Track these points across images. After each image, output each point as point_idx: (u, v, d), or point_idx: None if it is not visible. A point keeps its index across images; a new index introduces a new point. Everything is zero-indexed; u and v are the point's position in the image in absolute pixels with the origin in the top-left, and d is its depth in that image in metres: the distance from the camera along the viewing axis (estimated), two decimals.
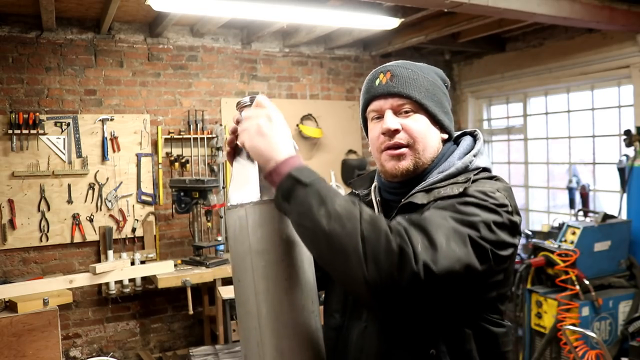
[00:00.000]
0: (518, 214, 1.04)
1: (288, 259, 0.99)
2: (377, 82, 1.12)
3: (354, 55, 5.17)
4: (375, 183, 1.23)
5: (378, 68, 1.16)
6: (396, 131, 1.09)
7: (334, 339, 1.15)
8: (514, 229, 1.00)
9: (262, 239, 0.98)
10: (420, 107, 1.10)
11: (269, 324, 0.98)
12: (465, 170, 1.10)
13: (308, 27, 4.31)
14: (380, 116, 1.13)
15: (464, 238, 0.91)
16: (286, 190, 0.91)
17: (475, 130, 1.21)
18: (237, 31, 4.62)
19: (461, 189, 1.01)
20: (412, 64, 1.15)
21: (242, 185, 1.02)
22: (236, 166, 1.06)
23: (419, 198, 1.06)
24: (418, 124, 1.10)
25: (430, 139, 1.11)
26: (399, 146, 1.10)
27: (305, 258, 1.03)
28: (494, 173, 1.13)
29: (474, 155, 1.12)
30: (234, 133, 1.07)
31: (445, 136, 1.15)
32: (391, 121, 1.09)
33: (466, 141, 1.18)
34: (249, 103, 1.06)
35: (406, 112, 1.10)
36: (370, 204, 1.19)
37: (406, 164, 1.10)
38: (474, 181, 1.04)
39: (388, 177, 1.14)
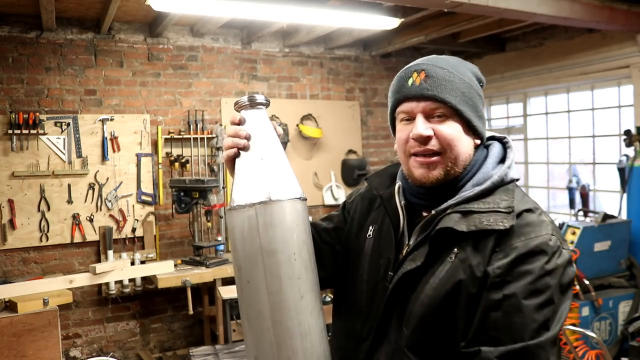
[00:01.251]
0: (562, 238, 1.01)
1: (299, 258, 1.00)
2: (410, 81, 1.03)
3: (354, 55, 5.17)
4: (399, 183, 1.15)
5: (411, 65, 1.06)
6: (428, 138, 1.02)
7: (354, 349, 1.10)
8: (568, 274, 0.98)
9: (274, 238, 0.98)
10: (454, 113, 1.02)
11: (282, 323, 0.97)
12: (501, 184, 1.04)
13: (308, 27, 4.31)
14: (410, 118, 1.05)
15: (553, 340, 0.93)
16: None
17: (504, 137, 1.14)
18: (237, 31, 4.62)
19: (507, 224, 0.96)
20: (447, 61, 1.05)
21: (248, 185, 1.00)
22: (239, 165, 1.04)
23: (457, 223, 0.98)
24: (452, 130, 1.02)
25: (463, 146, 1.04)
26: (430, 154, 1.03)
27: (312, 257, 1.04)
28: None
29: (509, 167, 1.06)
30: (235, 135, 1.04)
31: (478, 142, 1.07)
32: (423, 127, 1.02)
33: (496, 147, 1.11)
34: (248, 103, 1.05)
35: (439, 116, 1.02)
36: (394, 208, 1.12)
37: (437, 172, 1.03)
38: (518, 215, 0.98)
39: (416, 182, 1.07)
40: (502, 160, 1.10)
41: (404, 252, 1.06)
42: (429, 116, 1.03)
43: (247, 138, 1.03)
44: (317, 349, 1.00)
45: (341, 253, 1.23)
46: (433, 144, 1.02)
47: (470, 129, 1.05)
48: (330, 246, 1.25)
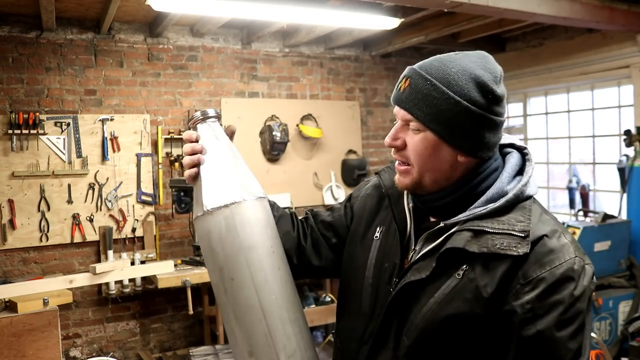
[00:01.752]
0: (584, 255, 0.97)
1: (277, 250, 1.08)
2: (399, 86, 1.01)
3: (354, 55, 5.17)
4: None
5: (410, 68, 1.01)
6: (396, 147, 1.02)
7: (355, 351, 1.10)
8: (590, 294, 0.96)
9: (253, 234, 1.04)
10: (427, 128, 0.97)
11: (273, 312, 1.02)
12: (516, 201, 0.98)
13: (308, 27, 4.31)
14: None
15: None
16: None
17: (525, 148, 1.07)
18: (237, 31, 4.62)
19: (520, 250, 0.91)
20: (442, 70, 0.96)
21: (217, 190, 1.05)
22: (204, 176, 1.08)
23: (468, 243, 0.94)
24: (420, 145, 0.98)
25: (434, 162, 0.99)
26: (402, 162, 1.03)
27: (282, 249, 1.12)
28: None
29: (525, 185, 0.99)
30: (192, 152, 1.08)
31: (462, 159, 0.99)
32: (391, 135, 1.02)
33: (514, 159, 1.04)
34: (200, 117, 1.11)
35: (414, 128, 0.99)
36: (401, 210, 1.10)
37: (406, 181, 1.03)
38: (535, 241, 0.92)
39: None
40: (520, 171, 1.04)
41: (410, 257, 1.05)
42: (407, 125, 1.00)
43: (202, 152, 1.09)
44: (305, 333, 1.07)
45: (346, 250, 1.22)
46: (401, 155, 1.02)
47: (452, 146, 0.97)
48: (326, 238, 1.26)
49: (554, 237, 0.94)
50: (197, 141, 1.10)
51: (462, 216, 0.98)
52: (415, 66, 1.00)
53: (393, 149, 1.03)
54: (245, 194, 1.05)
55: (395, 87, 1.03)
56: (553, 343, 0.89)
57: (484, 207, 0.97)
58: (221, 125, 1.14)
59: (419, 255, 1.01)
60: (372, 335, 1.06)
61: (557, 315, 0.89)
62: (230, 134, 1.17)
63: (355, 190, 1.31)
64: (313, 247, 1.26)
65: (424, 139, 0.97)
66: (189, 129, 1.13)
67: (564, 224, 3.79)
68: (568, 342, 0.90)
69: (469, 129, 0.95)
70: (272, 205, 1.23)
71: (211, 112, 1.12)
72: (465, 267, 0.95)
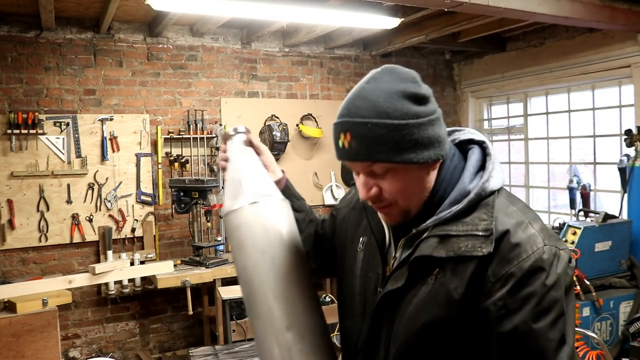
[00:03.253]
0: (555, 240, 0.95)
1: (271, 251, 1.10)
2: (340, 143, 0.97)
3: (354, 55, 5.16)
4: None
5: (337, 121, 0.98)
6: (371, 198, 1.00)
7: (353, 358, 1.13)
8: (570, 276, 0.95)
9: (246, 235, 1.10)
10: (393, 165, 0.96)
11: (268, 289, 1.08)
12: (479, 199, 0.97)
13: (308, 27, 4.31)
14: (356, 172, 1.02)
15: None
16: None
17: (484, 142, 1.06)
18: (237, 31, 4.62)
19: (484, 250, 0.91)
20: (371, 104, 0.93)
21: (226, 196, 1.15)
22: (225, 180, 1.21)
23: (435, 249, 0.95)
24: (396, 183, 0.97)
25: (414, 187, 0.99)
26: (383, 205, 1.01)
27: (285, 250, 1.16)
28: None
29: (486, 182, 0.98)
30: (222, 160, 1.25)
31: (437, 165, 1.00)
32: (365, 190, 0.99)
33: (475, 155, 1.04)
34: (232, 134, 1.25)
35: (380, 172, 0.97)
36: (377, 221, 1.11)
37: (396, 217, 1.02)
38: (499, 237, 0.92)
39: None
40: (483, 166, 1.03)
41: (391, 265, 1.06)
42: (371, 172, 0.98)
43: (226, 160, 1.23)
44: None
45: (338, 259, 1.26)
46: (381, 199, 1.00)
47: (421, 164, 0.97)
48: (320, 244, 1.35)
49: (520, 229, 0.93)
50: (225, 151, 1.25)
51: (429, 221, 0.99)
52: (345, 119, 0.95)
53: (370, 200, 1.01)
54: (240, 201, 1.10)
55: (335, 144, 0.99)
56: (532, 336, 0.89)
57: (449, 210, 0.98)
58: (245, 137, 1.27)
59: (397, 264, 1.02)
60: (364, 343, 1.08)
61: (532, 307, 0.89)
62: (249, 143, 1.26)
63: (340, 201, 1.35)
64: (314, 252, 1.34)
65: (395, 174, 0.96)
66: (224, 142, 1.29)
67: (564, 223, 3.77)
68: (548, 332, 0.89)
69: (425, 139, 0.94)
70: (304, 210, 1.34)
71: (240, 128, 1.27)
72: (437, 272, 0.95)
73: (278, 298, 1.02)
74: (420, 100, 0.94)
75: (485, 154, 1.04)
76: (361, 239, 1.16)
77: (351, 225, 1.23)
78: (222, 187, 1.19)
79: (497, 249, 0.91)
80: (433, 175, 1.00)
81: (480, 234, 0.93)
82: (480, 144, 1.06)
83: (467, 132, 1.09)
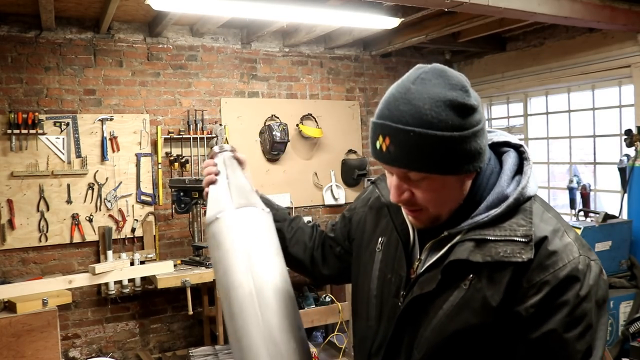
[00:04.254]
0: (588, 250, 0.94)
1: (245, 255, 1.12)
2: (378, 145, 0.94)
3: (354, 55, 5.16)
4: None
5: (377, 122, 0.94)
6: (402, 202, 0.98)
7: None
8: (604, 289, 0.94)
9: (223, 241, 1.12)
10: (429, 173, 0.94)
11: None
12: (517, 204, 0.96)
13: (308, 27, 4.30)
14: (390, 172, 1.00)
15: None
16: None
17: (521, 146, 1.04)
18: (237, 31, 4.61)
19: (524, 256, 0.90)
20: (416, 111, 0.89)
21: (209, 205, 1.18)
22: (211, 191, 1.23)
23: (472, 253, 0.93)
24: (428, 190, 0.95)
25: (447, 195, 0.97)
26: (413, 208, 1.00)
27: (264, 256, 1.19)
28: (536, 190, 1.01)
29: (525, 187, 0.97)
30: (210, 173, 1.23)
31: (472, 176, 0.98)
32: (397, 194, 0.97)
33: (511, 158, 1.02)
34: (218, 151, 1.29)
35: (415, 179, 0.94)
36: (402, 221, 1.08)
37: (425, 221, 1.00)
38: (537, 244, 0.91)
39: None
40: (519, 170, 1.02)
41: (416, 267, 1.04)
42: (406, 176, 0.95)
43: (216, 174, 1.22)
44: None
45: (354, 260, 1.24)
46: (412, 203, 0.98)
47: (458, 174, 0.95)
48: (332, 248, 1.34)
49: (557, 237, 0.92)
50: (215, 165, 1.25)
51: (465, 224, 0.97)
52: (387, 120, 0.91)
53: (401, 204, 1.00)
54: (219, 211, 1.13)
55: (372, 144, 0.96)
56: (560, 345, 0.89)
57: (486, 215, 0.96)
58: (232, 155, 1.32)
59: (424, 267, 1.00)
60: (381, 347, 1.06)
61: (563, 317, 0.88)
62: (238, 161, 1.28)
63: (354, 201, 1.33)
64: (322, 257, 1.34)
65: (431, 183, 0.94)
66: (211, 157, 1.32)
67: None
68: (576, 342, 0.89)
69: (466, 152, 0.92)
70: (285, 219, 1.34)
71: (226, 147, 1.32)
72: (472, 277, 0.93)
73: (275, 310, 1.03)
74: (467, 111, 0.90)
75: (522, 157, 1.03)
76: (380, 239, 1.14)
77: (369, 225, 1.20)
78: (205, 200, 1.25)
79: (535, 255, 0.90)
80: (468, 183, 0.98)
81: (519, 239, 0.91)
82: (517, 148, 1.04)
83: (500, 134, 1.07)
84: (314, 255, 1.33)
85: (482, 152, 0.95)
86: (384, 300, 1.07)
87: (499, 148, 1.05)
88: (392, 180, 0.98)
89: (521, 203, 0.96)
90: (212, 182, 1.22)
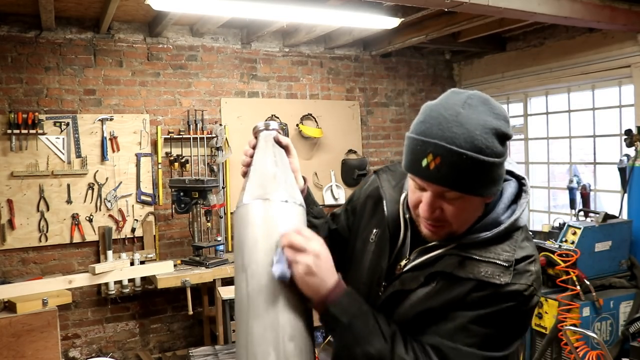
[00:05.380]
0: (539, 286, 1.06)
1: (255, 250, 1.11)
2: (424, 162, 0.97)
3: (354, 54, 5.16)
4: (405, 193, 1.16)
5: (428, 140, 0.97)
6: (433, 219, 1.04)
7: None
8: (531, 313, 1.06)
9: (245, 231, 1.09)
10: (468, 194, 1.01)
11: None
12: (507, 233, 1.05)
13: (308, 27, 4.30)
14: (422, 187, 1.04)
15: None
16: (329, 323, 1.03)
17: (523, 178, 1.12)
18: (237, 31, 4.61)
19: (502, 280, 1.00)
20: (468, 136, 0.94)
21: (244, 190, 1.12)
22: (248, 175, 1.17)
23: (456, 269, 1.03)
24: (459, 209, 1.01)
25: (471, 215, 1.05)
26: (437, 224, 1.05)
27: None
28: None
29: (518, 218, 1.06)
30: (245, 154, 1.22)
31: (489, 200, 1.06)
32: (430, 210, 1.02)
33: (511, 188, 1.10)
34: (263, 128, 1.23)
35: (451, 198, 1.00)
36: (395, 217, 1.16)
37: (443, 234, 1.06)
38: (516, 271, 1.02)
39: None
40: (516, 199, 1.10)
41: (403, 264, 1.12)
42: (442, 194, 1.01)
43: (250, 156, 1.21)
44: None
45: (349, 247, 1.29)
46: (440, 218, 1.03)
47: (485, 196, 1.03)
48: (332, 239, 1.33)
49: (525, 261, 1.03)
50: (253, 148, 1.22)
51: (457, 241, 1.06)
52: (441, 142, 0.95)
53: (431, 219, 1.05)
54: (239, 200, 1.10)
55: (416, 160, 0.99)
56: (461, 328, 1.00)
57: (477, 236, 1.04)
58: (281, 133, 1.26)
59: (410, 266, 1.10)
60: None
61: (484, 313, 1.00)
62: (278, 143, 1.25)
63: (355, 191, 1.37)
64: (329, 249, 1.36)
65: (463, 202, 1.01)
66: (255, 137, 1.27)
67: (564, 224, 3.77)
68: (475, 335, 1.00)
69: (498, 177, 1.01)
70: (318, 215, 1.33)
71: (273, 124, 1.24)
72: (439, 280, 1.05)
73: (286, 306, 1.00)
74: (505, 140, 0.99)
75: (521, 189, 1.11)
76: (374, 230, 1.20)
77: (367, 213, 1.26)
78: (246, 177, 1.17)
79: None
80: (484, 204, 1.07)
81: (501, 263, 1.01)
82: (519, 179, 1.12)
83: (508, 161, 1.10)
84: None
85: (503, 177, 1.05)
86: (371, 288, 1.16)
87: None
88: (421, 197, 1.03)
89: (511, 231, 1.05)
90: (246, 168, 1.22)
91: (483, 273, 1.00)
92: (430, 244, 1.08)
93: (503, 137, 0.98)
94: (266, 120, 1.18)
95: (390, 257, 1.14)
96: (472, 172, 0.95)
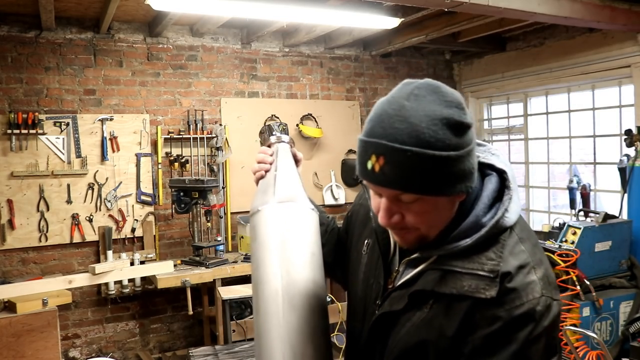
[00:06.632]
0: (553, 289, 0.93)
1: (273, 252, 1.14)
2: (369, 165, 0.88)
3: (354, 55, 5.16)
4: None
5: (369, 140, 0.88)
6: (392, 225, 0.95)
7: None
8: (555, 327, 0.93)
9: (260, 234, 1.13)
10: (423, 194, 0.90)
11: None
12: (490, 235, 0.93)
13: (308, 27, 4.30)
14: (378, 193, 0.95)
15: None
16: None
17: (504, 172, 0.98)
18: (236, 31, 4.61)
19: (488, 293, 0.88)
20: (412, 130, 0.84)
21: (256, 196, 1.18)
22: (261, 181, 1.23)
23: (437, 285, 0.93)
24: (420, 212, 0.92)
25: (439, 216, 0.94)
26: (402, 231, 0.97)
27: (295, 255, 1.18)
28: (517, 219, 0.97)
29: (501, 218, 0.93)
30: (264, 162, 1.24)
31: (461, 198, 0.94)
32: (387, 217, 0.93)
33: (492, 184, 0.97)
34: (275, 141, 1.33)
35: (407, 201, 0.91)
36: (383, 229, 1.05)
37: (412, 241, 0.98)
38: (504, 276, 0.89)
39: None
40: (500, 196, 0.97)
41: (393, 278, 1.04)
42: (397, 198, 0.91)
43: (270, 163, 1.24)
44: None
45: (347, 260, 1.25)
46: (402, 226, 0.95)
47: (451, 195, 0.91)
48: (339, 249, 1.33)
49: (521, 273, 0.90)
50: (271, 155, 1.25)
51: (437, 250, 0.96)
52: (382, 141, 0.86)
53: (390, 227, 0.97)
54: (262, 203, 1.13)
55: (361, 163, 0.90)
56: None
57: (456, 244, 0.93)
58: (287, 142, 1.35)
59: (399, 283, 1.01)
60: (362, 349, 1.09)
61: (509, 354, 0.88)
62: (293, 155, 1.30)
63: (356, 196, 1.35)
64: (336, 259, 1.32)
65: (423, 204, 0.91)
66: (265, 144, 1.33)
67: (564, 224, 3.77)
68: None
69: (460, 172, 0.88)
70: (323, 223, 1.31)
71: (284, 138, 1.35)
72: (432, 302, 0.95)
73: (297, 310, 1.01)
74: (464, 129, 0.87)
75: (504, 184, 0.97)
76: (366, 240, 1.15)
77: (359, 222, 1.22)
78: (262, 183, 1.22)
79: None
80: (457, 204, 0.95)
81: (485, 274, 0.90)
82: (500, 173, 0.99)
83: (488, 152, 1.02)
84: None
85: (474, 172, 0.92)
86: (367, 304, 1.09)
87: (483, 169, 1.00)
88: (380, 203, 0.94)
89: (496, 234, 0.93)
90: (262, 177, 1.22)
91: (466, 287, 0.90)
92: (414, 255, 0.99)
93: (458, 127, 0.86)
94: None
95: (385, 271, 1.06)
96: (422, 170, 0.85)
